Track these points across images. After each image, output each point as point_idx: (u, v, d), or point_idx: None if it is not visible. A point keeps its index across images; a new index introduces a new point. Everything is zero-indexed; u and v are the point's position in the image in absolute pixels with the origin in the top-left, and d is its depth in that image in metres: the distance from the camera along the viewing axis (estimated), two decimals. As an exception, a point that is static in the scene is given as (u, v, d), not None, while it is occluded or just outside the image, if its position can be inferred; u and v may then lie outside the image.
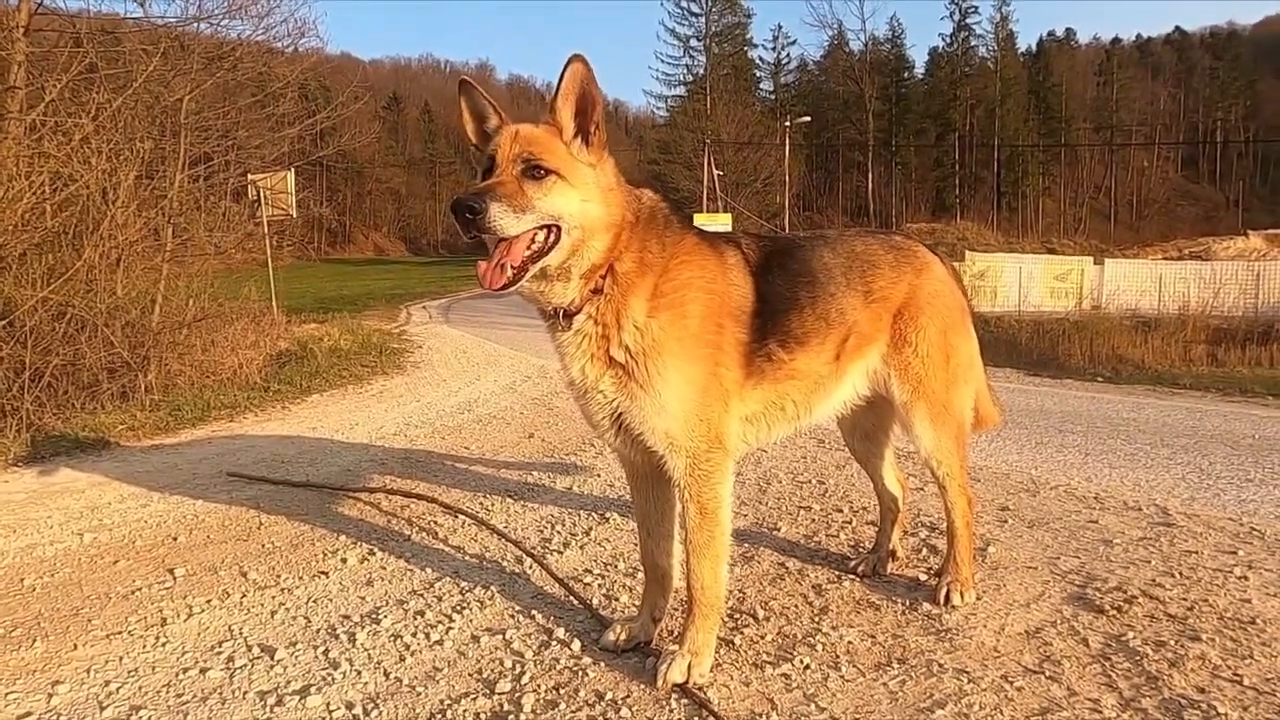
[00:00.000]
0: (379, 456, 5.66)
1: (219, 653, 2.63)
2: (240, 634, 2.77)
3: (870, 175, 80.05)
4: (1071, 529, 3.64)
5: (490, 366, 10.88)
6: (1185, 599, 2.80)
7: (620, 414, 2.28)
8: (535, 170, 2.09)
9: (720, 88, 70.38)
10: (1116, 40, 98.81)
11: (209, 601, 3.07)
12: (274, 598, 3.10)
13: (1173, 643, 2.47)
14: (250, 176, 14.49)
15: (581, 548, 3.59)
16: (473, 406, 7.72)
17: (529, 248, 2.10)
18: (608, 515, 4.06)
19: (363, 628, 2.77)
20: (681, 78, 76.48)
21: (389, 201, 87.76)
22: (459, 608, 2.93)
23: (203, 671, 2.50)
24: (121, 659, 2.61)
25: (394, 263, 69.08)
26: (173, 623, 2.88)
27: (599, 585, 3.13)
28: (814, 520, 3.90)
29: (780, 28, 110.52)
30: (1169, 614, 2.68)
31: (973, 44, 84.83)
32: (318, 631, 2.78)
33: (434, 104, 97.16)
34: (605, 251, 2.19)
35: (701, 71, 75.18)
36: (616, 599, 2.99)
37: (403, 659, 2.55)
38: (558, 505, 4.31)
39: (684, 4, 75.60)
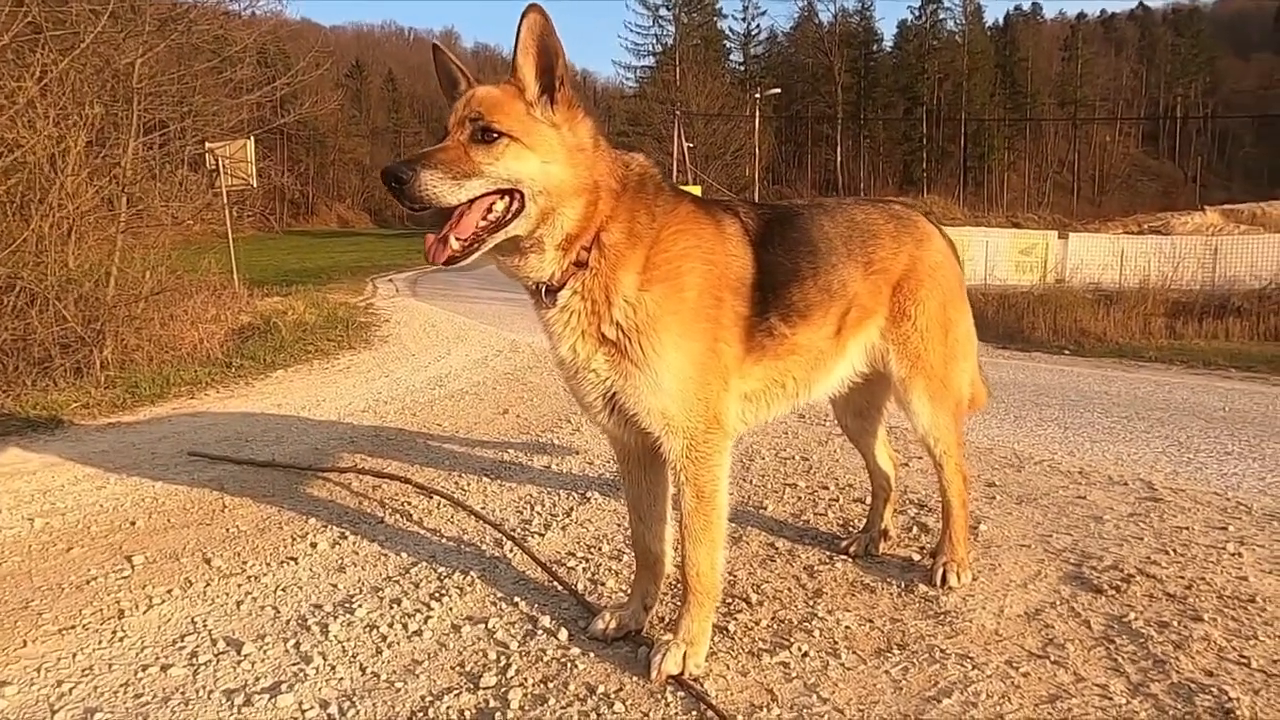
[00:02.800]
0: (348, 434, 5.47)
1: (181, 648, 2.47)
2: (204, 627, 2.61)
3: (839, 148, 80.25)
4: (1060, 505, 3.60)
5: (460, 341, 10.65)
6: (1182, 577, 2.76)
7: (613, 394, 2.14)
8: (485, 133, 1.94)
9: (690, 58, 69.81)
10: (1082, 15, 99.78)
11: (170, 591, 2.90)
12: (240, 586, 2.94)
13: (1175, 624, 2.41)
14: (208, 145, 14.00)
15: (563, 529, 3.47)
16: (444, 382, 7.53)
17: (485, 218, 1.95)
18: (588, 495, 3.93)
19: (336, 618, 2.62)
20: (651, 48, 75.74)
21: (353, 172, 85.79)
22: (437, 595, 2.80)
23: (164, 669, 2.34)
24: (75, 656, 2.44)
25: (359, 235, 67.78)
26: (131, 615, 2.71)
27: (583, 569, 3.02)
28: (800, 498, 3.81)
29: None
30: (1168, 593, 2.64)
31: (941, 17, 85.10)
32: (288, 623, 2.62)
33: (398, 71, 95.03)
34: (580, 220, 2.04)
35: (671, 41, 74.49)
36: (602, 584, 2.88)
37: (379, 652, 2.41)
38: (536, 485, 4.18)
39: (653, -28, 74.51)
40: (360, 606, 2.71)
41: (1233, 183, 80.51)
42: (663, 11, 76.24)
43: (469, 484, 4.21)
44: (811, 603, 2.65)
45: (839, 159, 79.74)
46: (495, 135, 1.94)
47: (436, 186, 1.86)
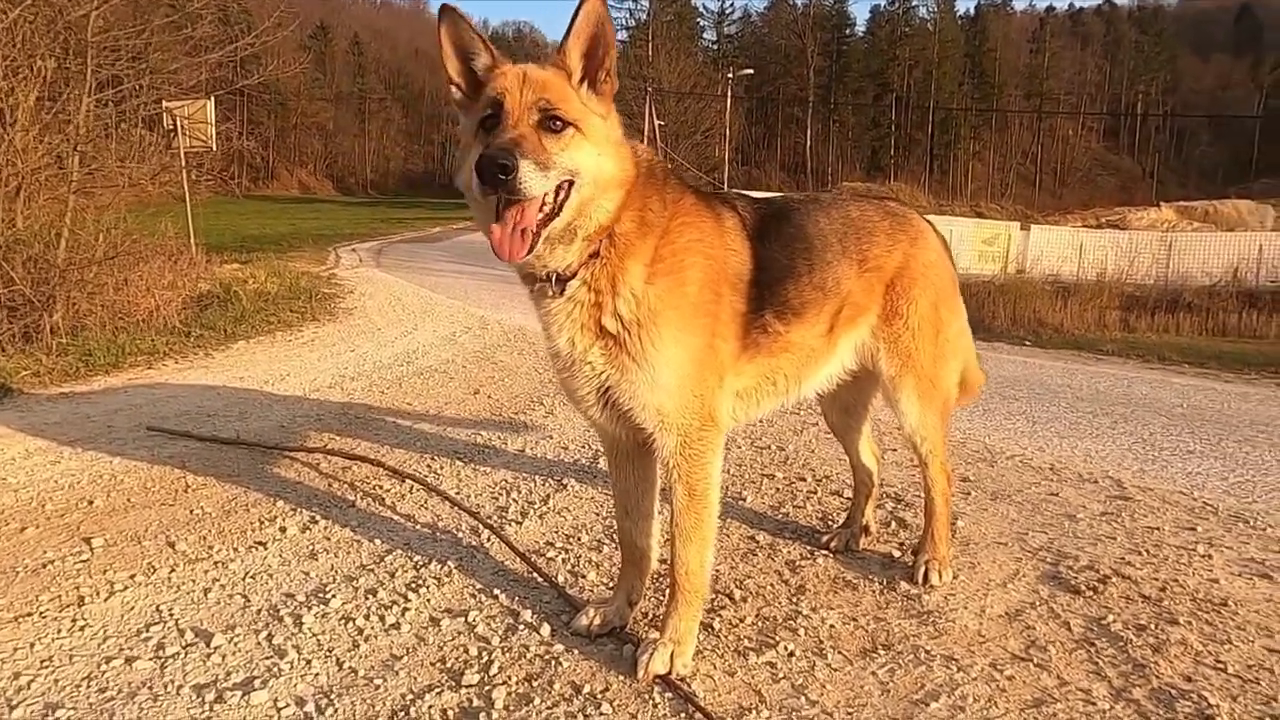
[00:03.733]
0: (314, 411, 5.33)
1: (147, 639, 2.38)
2: (171, 616, 2.52)
3: (809, 132, 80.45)
4: (1034, 502, 3.64)
5: (427, 316, 10.47)
6: (1156, 578, 2.80)
7: (608, 388, 2.09)
8: (553, 121, 1.89)
9: (663, 35, 69.18)
10: (1051, 9, 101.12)
11: (133, 577, 2.79)
12: (207, 573, 2.84)
13: (1152, 626, 2.45)
14: (166, 104, 13.51)
15: (541, 517, 3.41)
16: (412, 358, 7.39)
17: (541, 209, 1.88)
18: (565, 481, 3.88)
19: (309, 609, 2.55)
20: (624, 22, 74.70)
21: (315, 137, 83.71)
22: (414, 585, 2.73)
23: (129, 661, 2.25)
24: (33, 646, 2.33)
25: (321, 201, 66.23)
26: (92, 602, 2.60)
27: (563, 560, 2.97)
28: (779, 490, 3.80)
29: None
30: (1143, 595, 2.68)
31: (914, 4, 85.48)
32: (259, 613, 2.54)
33: (364, 35, 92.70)
34: (614, 211, 2.01)
35: (644, 17, 73.59)
36: (583, 576, 2.84)
37: (356, 646, 2.35)
38: (510, 469, 4.11)
39: (629, -55, 73.54)
40: (334, 596, 2.63)
41: (1188, 180, 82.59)
42: (637, -14, 75.35)
43: (442, 467, 4.13)
44: (795, 600, 2.64)
45: (808, 142, 79.99)
46: (562, 124, 1.90)
47: (532, 179, 1.81)
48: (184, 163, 14.15)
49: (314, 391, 5.98)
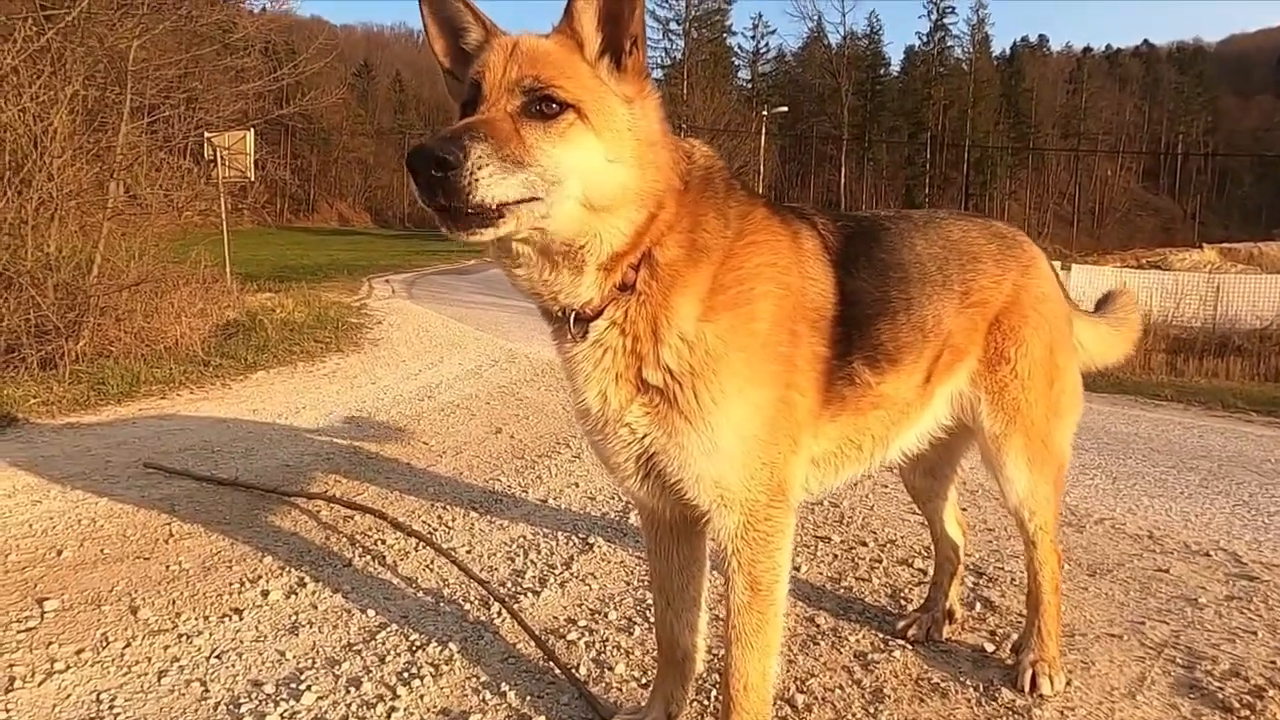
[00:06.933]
0: (324, 449, 4.94)
1: (75, 740, 1.94)
2: (110, 709, 2.07)
3: (843, 169, 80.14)
4: (1141, 580, 3.09)
5: (454, 348, 10.12)
6: (1323, 693, 2.25)
7: (652, 455, 1.62)
8: (544, 104, 1.40)
9: (698, 73, 69.72)
10: (1088, 50, 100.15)
11: (80, 653, 2.36)
12: (167, 649, 2.40)
13: (1341, 766, 1.91)
14: (207, 135, 13.56)
15: (562, 585, 2.94)
16: (434, 393, 7.00)
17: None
18: (590, 541, 3.41)
19: (276, 704, 2.09)
20: (660, 60, 75.44)
21: (356, 171, 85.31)
22: (407, 675, 2.27)
23: (45, 774, 1.81)
24: (-63, 746, 1.91)
25: (358, 233, 67.07)
26: (22, 686, 2.17)
27: (586, 644, 2.49)
28: (837, 556, 3.30)
29: (760, 16, 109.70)
30: (1313, 716, 2.13)
31: (949, 44, 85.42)
32: (215, 708, 2.09)
33: (405, 74, 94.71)
34: (635, 234, 1.51)
35: (680, 56, 74.35)
36: (610, 668, 2.35)
37: (327, 760, 1.89)
38: (530, 523, 3.65)
39: (665, -14, 74.65)
40: (309, 688, 2.17)
41: (1230, 221, 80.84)
42: (673, 26, 76.15)
43: (454, 519, 3.68)
44: (872, 710, 2.13)
45: (842, 180, 79.58)
46: (557, 108, 1.40)
47: (489, 177, 1.32)
48: (221, 191, 14.16)
49: (327, 426, 5.61)
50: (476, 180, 1.30)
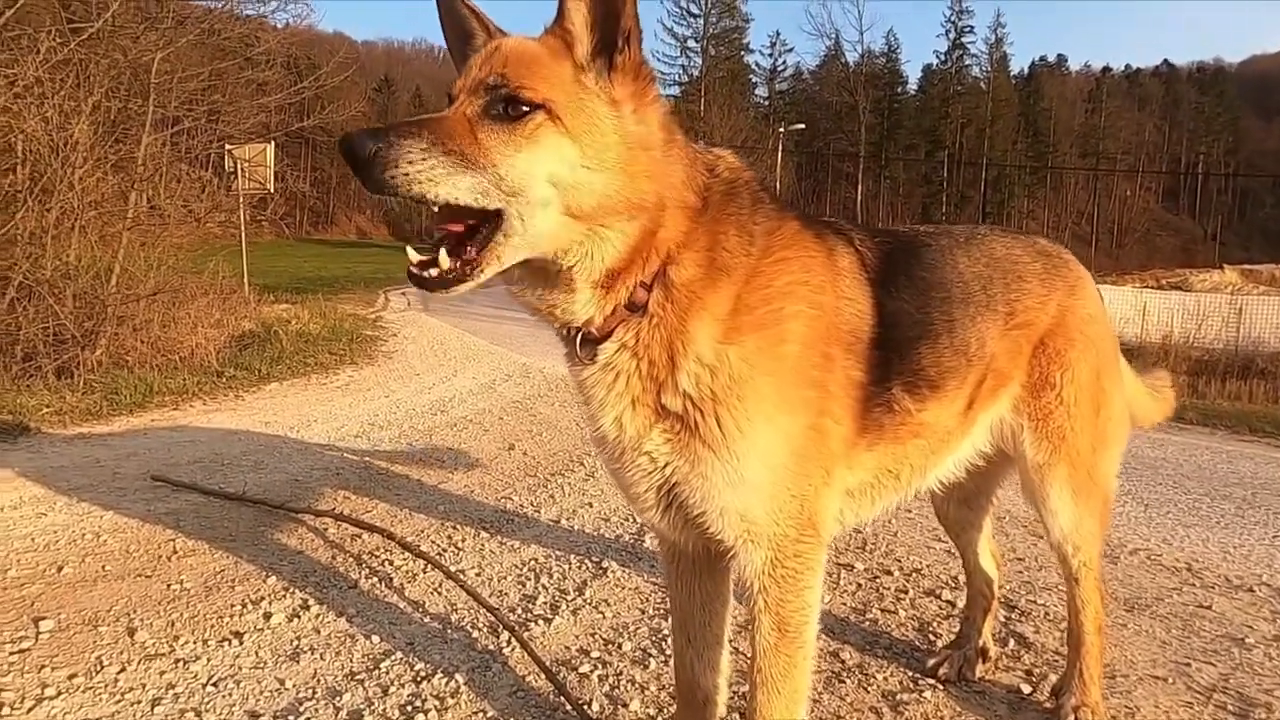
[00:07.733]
0: (334, 464, 4.85)
1: (61, 775, 1.84)
2: (100, 740, 1.98)
3: (859, 187, 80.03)
4: (1183, 617, 2.93)
5: (469, 361, 10.05)
6: (1390, 746, 2.10)
7: (674, 485, 1.51)
8: (509, 104, 1.31)
9: (715, 90, 69.91)
10: (1107, 69, 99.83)
11: (72, 678, 2.27)
12: (163, 675, 2.31)
13: None
14: (228, 147, 13.68)
15: (574, 612, 2.82)
16: (447, 407, 6.91)
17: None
18: (604, 564, 3.29)
19: (274, 739, 1.99)
20: (677, 78, 75.81)
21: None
22: (410, 708, 2.16)
23: (26, 812, 1.71)
24: (-83, 778, 1.82)
25: (376, 246, 67.48)
26: (10, 714, 2.08)
27: (600, 678, 2.37)
28: (861, 585, 3.16)
29: (778, 34, 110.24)
30: (1381, 773, 1.98)
31: (966, 63, 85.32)
32: (210, 741, 1.99)
33: (425, 89, 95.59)
34: (629, 250, 1.41)
35: (697, 73, 74.66)
36: (625, 704, 2.23)
37: (324, 801, 1.78)
38: (543, 545, 3.54)
39: (683, 4, 75.17)
40: (309, 721, 2.07)
41: (1251, 243, 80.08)
42: (690, 43, 76.51)
43: (464, 539, 3.58)
44: (904, 757, 2.00)
45: (859, 197, 79.41)
46: (525, 109, 1.31)
47: (414, 166, 1.24)
48: (241, 203, 14.25)
49: (339, 439, 5.53)
50: (407, 175, 1.24)
